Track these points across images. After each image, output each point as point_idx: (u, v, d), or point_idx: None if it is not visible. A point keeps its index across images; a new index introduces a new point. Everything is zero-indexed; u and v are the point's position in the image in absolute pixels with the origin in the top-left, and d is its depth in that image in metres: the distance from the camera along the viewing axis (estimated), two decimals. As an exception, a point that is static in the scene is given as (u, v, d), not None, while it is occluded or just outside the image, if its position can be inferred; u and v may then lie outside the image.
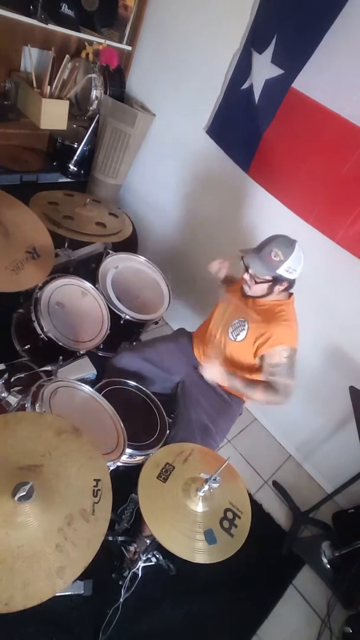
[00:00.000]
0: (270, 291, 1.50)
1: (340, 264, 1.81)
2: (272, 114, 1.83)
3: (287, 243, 1.41)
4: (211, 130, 2.17)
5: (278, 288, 1.50)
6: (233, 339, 1.58)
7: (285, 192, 1.92)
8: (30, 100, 2.16)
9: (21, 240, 1.46)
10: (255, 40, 1.81)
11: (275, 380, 1.49)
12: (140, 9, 2.28)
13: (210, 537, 1.06)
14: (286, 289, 1.53)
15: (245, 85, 1.91)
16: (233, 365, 1.63)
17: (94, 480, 0.95)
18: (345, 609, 1.82)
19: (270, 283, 1.47)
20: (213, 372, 1.52)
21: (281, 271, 1.41)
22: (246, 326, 1.55)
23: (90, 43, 2.24)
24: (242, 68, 1.91)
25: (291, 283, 1.50)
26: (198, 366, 1.72)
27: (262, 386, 1.50)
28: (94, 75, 2.24)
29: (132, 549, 1.51)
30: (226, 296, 1.69)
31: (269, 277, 1.45)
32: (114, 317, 1.77)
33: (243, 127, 1.98)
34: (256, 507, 2.03)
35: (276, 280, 1.46)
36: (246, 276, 1.49)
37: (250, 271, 1.47)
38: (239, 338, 1.56)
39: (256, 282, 1.48)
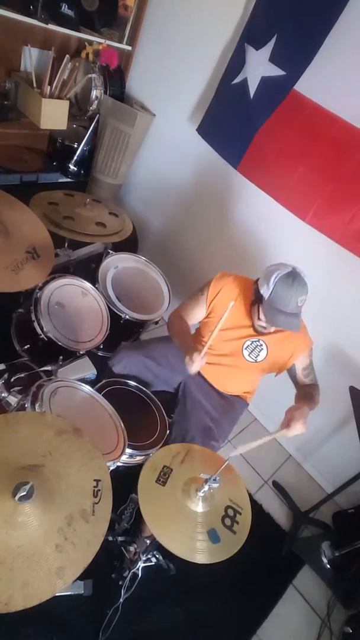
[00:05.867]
0: None
1: (339, 262, 1.81)
2: (269, 111, 1.81)
3: (301, 283, 1.36)
4: (201, 129, 2.14)
5: None
6: (253, 360, 1.58)
7: (280, 189, 1.90)
8: (30, 100, 2.16)
9: (21, 240, 1.46)
10: (251, 36, 1.80)
11: (312, 380, 1.58)
12: (140, 9, 2.28)
13: (214, 536, 1.06)
14: None
15: (237, 80, 1.89)
16: (242, 381, 1.67)
17: (94, 480, 0.95)
18: (345, 609, 1.82)
19: None
20: (305, 425, 1.29)
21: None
22: (264, 345, 1.56)
23: (90, 43, 2.24)
24: (234, 63, 1.89)
25: None
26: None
27: (314, 393, 1.52)
28: (94, 75, 2.24)
29: (132, 549, 1.51)
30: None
31: None
32: (114, 317, 1.77)
33: (234, 121, 1.95)
34: (256, 507, 2.03)
35: None
36: (271, 329, 1.47)
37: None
38: (260, 358, 1.58)
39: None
